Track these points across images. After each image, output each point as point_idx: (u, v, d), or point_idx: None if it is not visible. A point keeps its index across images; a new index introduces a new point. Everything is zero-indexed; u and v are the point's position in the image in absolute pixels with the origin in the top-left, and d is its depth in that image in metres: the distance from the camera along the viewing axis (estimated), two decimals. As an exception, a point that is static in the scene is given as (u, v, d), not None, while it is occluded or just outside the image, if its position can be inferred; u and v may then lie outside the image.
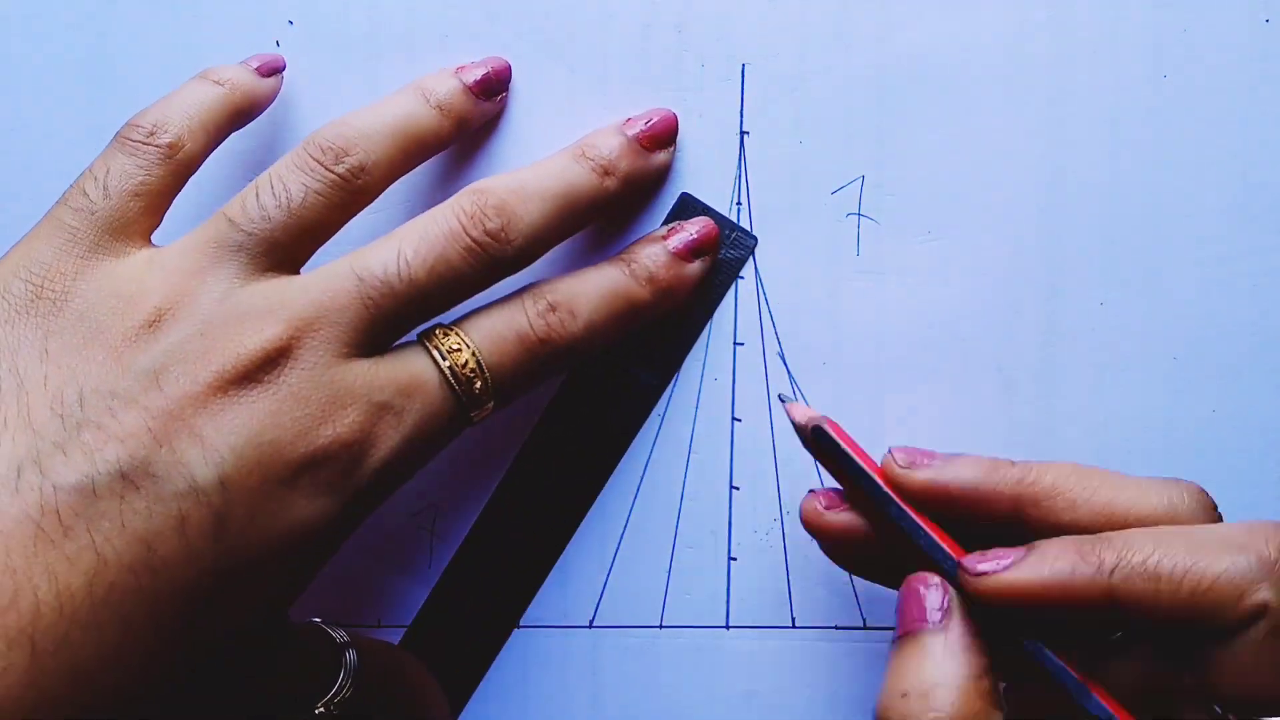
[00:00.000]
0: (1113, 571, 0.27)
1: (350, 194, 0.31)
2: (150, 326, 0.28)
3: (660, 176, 0.35)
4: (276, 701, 0.31)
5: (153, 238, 0.31)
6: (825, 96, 0.36)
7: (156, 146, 0.31)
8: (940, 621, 0.28)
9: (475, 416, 0.31)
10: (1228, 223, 0.36)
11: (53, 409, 0.27)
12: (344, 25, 0.36)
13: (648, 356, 0.36)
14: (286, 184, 0.30)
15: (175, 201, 0.32)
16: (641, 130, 0.34)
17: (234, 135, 0.35)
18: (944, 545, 0.29)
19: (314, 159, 0.31)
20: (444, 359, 0.30)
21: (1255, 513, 0.36)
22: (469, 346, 0.31)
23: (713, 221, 0.35)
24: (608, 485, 0.36)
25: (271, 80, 0.34)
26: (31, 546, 0.25)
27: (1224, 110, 0.36)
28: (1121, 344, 0.36)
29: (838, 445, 0.31)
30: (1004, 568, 0.28)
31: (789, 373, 0.36)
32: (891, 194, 0.36)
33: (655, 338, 0.36)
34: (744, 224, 0.36)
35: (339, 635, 0.32)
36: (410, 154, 0.32)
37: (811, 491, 0.32)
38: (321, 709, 0.31)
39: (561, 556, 0.36)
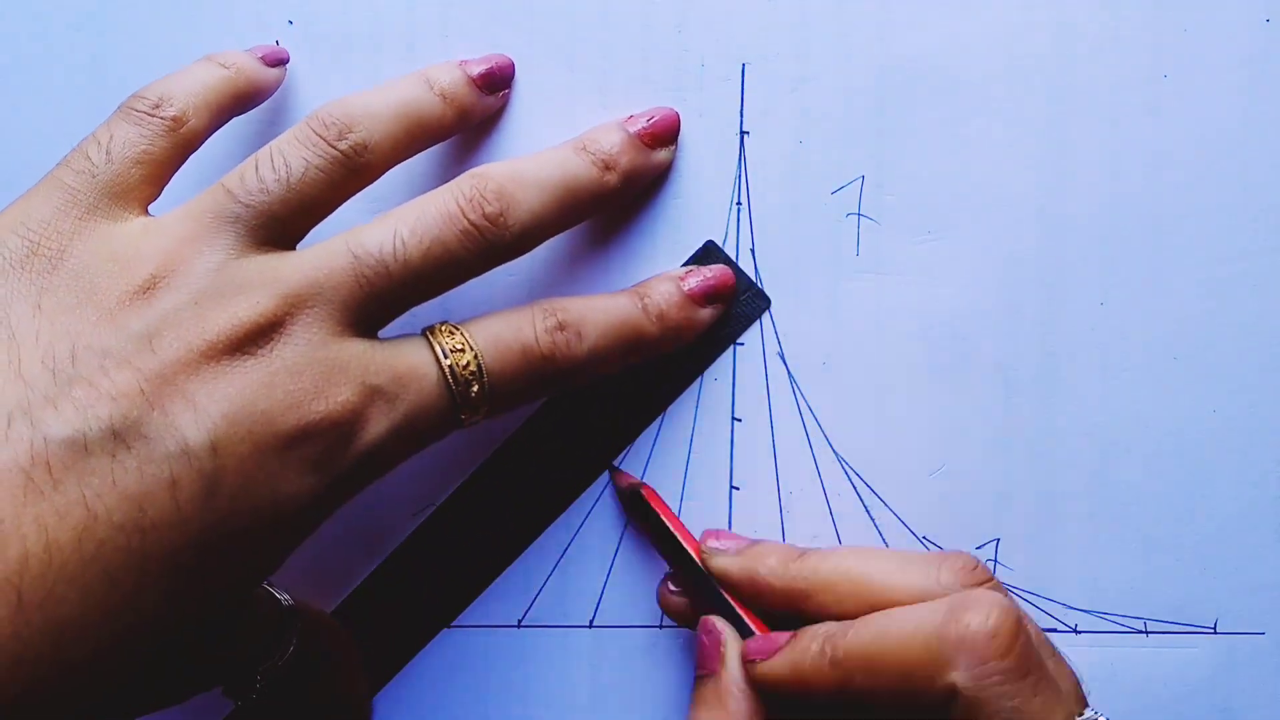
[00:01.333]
0: (840, 661, 0.29)
1: (351, 172, 0.30)
2: (144, 292, 0.28)
3: (661, 176, 0.35)
4: (226, 662, 0.31)
5: (150, 212, 0.31)
6: (825, 96, 0.36)
7: (161, 119, 0.30)
8: (718, 668, 0.32)
9: (465, 420, 0.31)
10: (1228, 223, 0.36)
11: (44, 363, 0.26)
12: (344, 25, 0.36)
13: (632, 392, 0.36)
14: (287, 158, 0.30)
15: (177, 184, 0.31)
16: (643, 127, 0.34)
17: (236, 135, 0.35)
18: (745, 617, 0.33)
19: (317, 134, 0.30)
20: (446, 356, 0.30)
21: (1255, 513, 0.36)
22: (472, 349, 0.30)
23: (731, 272, 0.35)
24: (608, 485, 0.36)
25: (275, 70, 0.34)
26: (21, 496, 0.24)
27: (1224, 110, 0.36)
28: (1121, 344, 0.36)
29: (651, 510, 0.35)
30: (768, 656, 0.31)
31: (789, 373, 0.36)
32: (891, 194, 0.36)
33: (646, 375, 0.36)
34: (744, 225, 0.36)
35: (284, 598, 0.32)
36: (413, 137, 0.32)
37: (666, 575, 0.36)
38: (260, 679, 0.31)
39: (562, 556, 0.36)
